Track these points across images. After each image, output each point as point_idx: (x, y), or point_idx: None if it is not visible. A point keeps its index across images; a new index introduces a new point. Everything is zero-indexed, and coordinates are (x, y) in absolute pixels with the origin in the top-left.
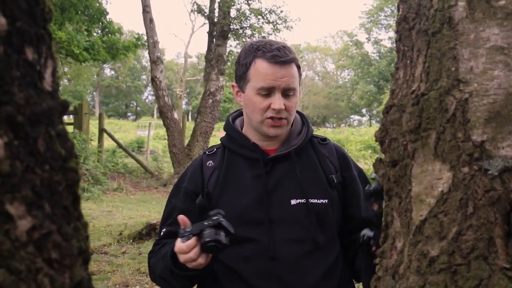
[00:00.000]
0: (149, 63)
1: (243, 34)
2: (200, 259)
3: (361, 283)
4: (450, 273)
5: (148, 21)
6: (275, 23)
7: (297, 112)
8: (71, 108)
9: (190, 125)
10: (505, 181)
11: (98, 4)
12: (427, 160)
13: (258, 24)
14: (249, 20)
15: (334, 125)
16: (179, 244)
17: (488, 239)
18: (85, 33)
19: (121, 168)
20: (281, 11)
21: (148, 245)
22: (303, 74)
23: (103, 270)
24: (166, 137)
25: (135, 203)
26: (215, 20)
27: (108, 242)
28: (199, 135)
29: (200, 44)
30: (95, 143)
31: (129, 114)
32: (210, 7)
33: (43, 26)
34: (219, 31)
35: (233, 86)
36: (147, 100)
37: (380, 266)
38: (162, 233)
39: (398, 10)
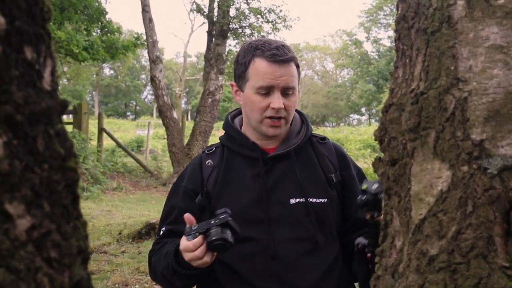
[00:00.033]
0: (148, 63)
1: (243, 33)
2: (206, 257)
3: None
4: (450, 272)
5: (147, 21)
6: (274, 22)
7: (296, 111)
8: (70, 107)
9: (189, 124)
10: (505, 180)
11: (97, 4)
12: (427, 159)
13: (257, 23)
14: (248, 19)
15: (333, 124)
16: (185, 242)
17: (488, 238)
18: (85, 32)
19: (121, 168)
20: (280, 10)
21: (147, 245)
22: (303, 73)
23: (102, 269)
24: (166, 136)
25: (135, 203)
26: (215, 19)
27: (107, 241)
28: (199, 134)
29: (199, 44)
30: (94, 142)
31: (128, 113)
32: (209, 6)
33: (42, 26)
34: (219, 30)
35: (232, 85)
36: (146, 100)
37: (379, 265)
38: (162, 232)
39: (397, 9)
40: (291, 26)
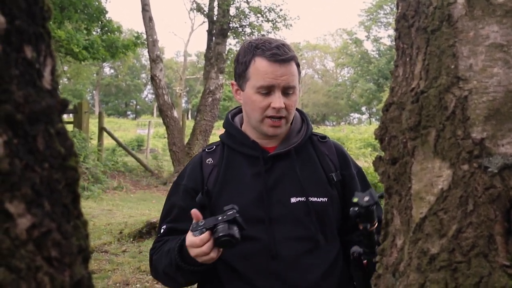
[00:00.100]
0: (148, 62)
1: (243, 32)
2: (212, 253)
3: None
4: (450, 271)
5: (148, 20)
6: (274, 21)
7: (297, 110)
8: (70, 106)
9: (190, 123)
10: (505, 179)
11: (97, 3)
12: (427, 158)
13: (257, 22)
14: (248, 18)
15: (334, 123)
16: (192, 238)
17: (488, 237)
18: (85, 31)
19: (121, 167)
20: (281, 10)
21: (148, 244)
22: (303, 72)
23: (103, 268)
24: (166, 135)
25: (135, 202)
26: (215, 18)
27: (108, 240)
28: (199, 133)
29: (199, 43)
30: (95, 141)
31: (128, 112)
32: (209, 5)
33: (42, 25)
34: (219, 30)
35: (232, 84)
36: (146, 99)
37: (380, 264)
38: (162, 230)
39: (398, 8)
40: (291, 25)
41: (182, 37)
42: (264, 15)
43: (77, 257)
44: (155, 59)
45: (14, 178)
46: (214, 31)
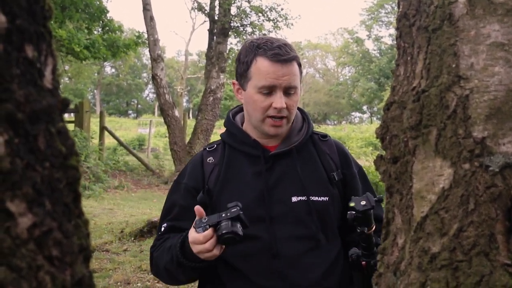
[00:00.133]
0: (149, 61)
1: (244, 31)
2: (215, 250)
3: None
4: (452, 270)
5: (149, 19)
6: (275, 20)
7: (298, 108)
8: (72, 106)
9: (191, 122)
10: (506, 178)
11: (98, 2)
12: (428, 157)
13: (258, 21)
14: (249, 17)
15: (335, 122)
16: (195, 235)
17: (489, 236)
18: (86, 31)
19: (122, 166)
20: (282, 9)
21: (149, 243)
22: (304, 71)
23: (104, 267)
24: (167, 134)
25: (136, 201)
26: (216, 17)
27: (109, 239)
28: (200, 132)
29: (200, 42)
30: (96, 141)
31: (130, 112)
32: (210, 4)
33: (43, 24)
34: (220, 29)
35: (233, 83)
36: (148, 98)
37: (381, 263)
38: (163, 228)
39: (399, 7)
40: (292, 24)
41: (183, 36)
42: (265, 14)
43: (78, 256)
44: (156, 59)
45: (15, 177)
46: (215, 30)
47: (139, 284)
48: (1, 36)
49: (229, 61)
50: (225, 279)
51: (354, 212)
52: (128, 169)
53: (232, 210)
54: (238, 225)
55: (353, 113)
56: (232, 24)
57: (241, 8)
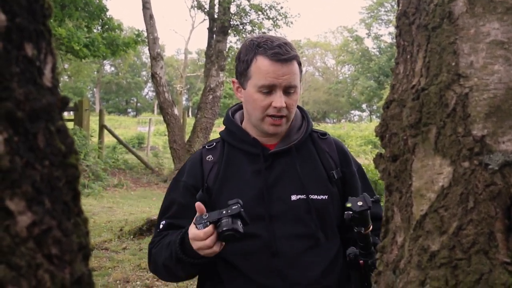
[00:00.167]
0: (149, 60)
1: (243, 30)
2: (215, 247)
3: None
4: (451, 268)
5: (148, 17)
6: (275, 19)
7: (297, 107)
8: (71, 104)
9: (190, 121)
10: (506, 176)
11: (98, 1)
12: (428, 155)
13: (258, 20)
14: (249, 16)
15: (334, 120)
16: (195, 231)
17: (489, 234)
18: (85, 29)
19: (122, 164)
20: (281, 7)
21: (148, 241)
22: (303, 69)
23: (103, 266)
24: (167, 133)
25: (136, 199)
26: (215, 16)
27: (108, 238)
28: (200, 131)
29: (200, 40)
30: (95, 139)
31: (129, 110)
32: (210, 3)
33: (42, 22)
34: (219, 27)
35: (233, 82)
36: (147, 96)
37: (380, 261)
38: (161, 225)
39: (398, 5)
40: (291, 23)
41: (183, 35)
42: (265, 13)
43: (77, 255)
44: (155, 57)
45: (14, 176)
46: (215, 28)
47: (138, 282)
48: (1, 35)
49: (229, 60)
50: (224, 277)
51: (351, 213)
52: (127, 168)
53: (233, 207)
54: (239, 222)
55: (352, 112)
56: (231, 23)
57: (241, 7)
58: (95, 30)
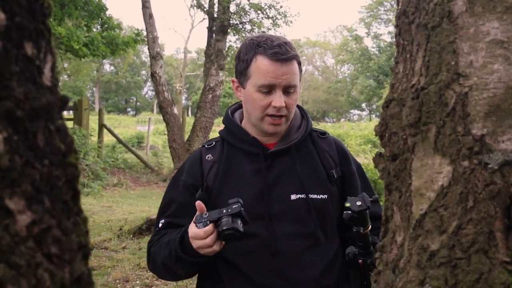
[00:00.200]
0: (148, 59)
1: (243, 29)
2: (215, 246)
3: None
4: (450, 267)
5: (148, 17)
6: (274, 18)
7: (297, 106)
8: (71, 103)
9: (190, 120)
10: (505, 175)
11: (97, 0)
12: (427, 154)
13: (257, 19)
14: (248, 15)
15: (334, 119)
16: (195, 230)
17: (488, 233)
18: (85, 28)
19: (121, 164)
20: (281, 6)
21: (148, 240)
22: (303, 69)
23: (103, 265)
24: (166, 132)
25: (135, 198)
26: (215, 15)
27: (108, 237)
28: (199, 130)
29: (199, 39)
30: (95, 138)
31: (129, 109)
32: (209, 2)
33: (42, 21)
34: (219, 26)
35: (233, 81)
36: (146, 96)
37: (380, 260)
38: (160, 224)
39: (398, 4)
40: (291, 22)
41: (182, 34)
42: (264, 12)
43: (77, 254)
44: (155, 56)
45: (14, 175)
46: (214, 28)
47: (137, 282)
48: (1, 34)
49: (228, 59)
50: (224, 276)
51: (350, 212)
52: (127, 167)
53: (233, 206)
54: (239, 221)
55: (352, 111)
56: (231, 22)
57: (240, 6)
58: (94, 29)
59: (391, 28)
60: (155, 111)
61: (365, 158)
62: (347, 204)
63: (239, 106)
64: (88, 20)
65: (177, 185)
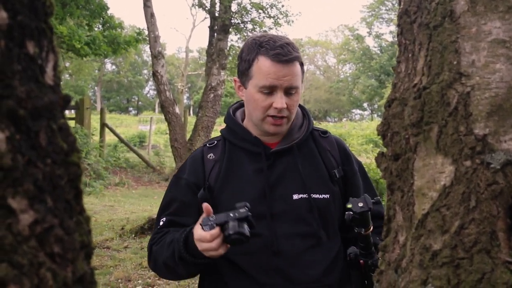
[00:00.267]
0: (150, 58)
1: (244, 28)
2: (221, 249)
3: None
4: (453, 267)
5: (149, 16)
6: (276, 17)
7: (298, 105)
8: (72, 102)
9: (191, 119)
10: (508, 175)
11: None
12: (429, 154)
13: (259, 18)
14: (250, 14)
15: (335, 119)
16: (201, 233)
17: (491, 233)
18: (86, 27)
19: (123, 163)
20: (282, 6)
21: None
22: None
23: (105, 264)
24: (168, 131)
25: (137, 198)
26: (216, 14)
27: (110, 236)
28: (201, 129)
29: (201, 39)
30: (96, 138)
31: (130, 108)
32: (211, 1)
33: (44, 20)
34: (220, 26)
35: (235, 80)
36: (148, 95)
37: (382, 260)
38: (161, 222)
39: (400, 4)
40: (293, 21)
41: (184, 33)
42: (266, 11)
43: (79, 253)
44: (156, 55)
45: (16, 174)
46: (216, 27)
47: (139, 281)
48: (3, 32)
49: (230, 58)
50: (226, 275)
51: (351, 213)
52: (128, 166)
53: (241, 211)
54: (245, 225)
55: (353, 110)
56: (232, 21)
57: (242, 5)
58: (96, 29)
59: (393, 28)
60: (156, 110)
61: (367, 158)
62: (349, 205)
63: (240, 105)
64: (90, 19)
65: (179, 184)
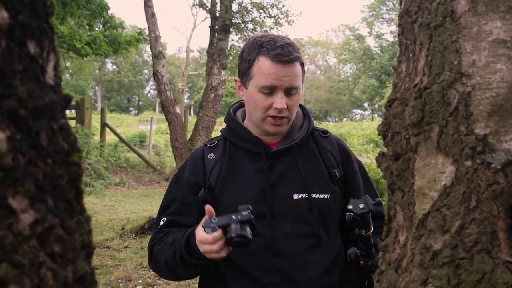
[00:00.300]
0: (151, 58)
1: (245, 28)
2: (223, 252)
3: None
4: (453, 267)
5: (150, 16)
6: (276, 17)
7: (299, 105)
8: (73, 102)
9: (192, 119)
10: (508, 175)
11: None
12: (430, 154)
13: (260, 18)
14: (251, 14)
15: (336, 119)
16: (204, 235)
17: (491, 233)
18: (87, 27)
19: (123, 163)
20: (283, 6)
21: None
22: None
23: (105, 264)
24: (168, 131)
25: (137, 198)
26: (217, 14)
27: (110, 236)
28: (201, 129)
29: (202, 39)
30: (97, 137)
31: (131, 108)
32: (211, 1)
33: (45, 20)
34: (221, 25)
35: (235, 80)
36: (149, 95)
37: (383, 260)
38: (162, 222)
39: (401, 4)
40: (293, 21)
41: (185, 33)
42: (267, 11)
43: (80, 253)
44: (157, 55)
45: (17, 174)
46: (217, 27)
47: (140, 281)
48: (4, 32)
49: (231, 58)
50: (226, 275)
51: (352, 214)
52: (129, 166)
53: (243, 213)
54: (248, 228)
55: (354, 110)
56: (233, 21)
57: (243, 5)
58: (96, 28)
59: (394, 28)
60: (157, 110)
61: (367, 158)
62: (350, 207)
63: (241, 105)
64: (90, 19)
65: (180, 183)
